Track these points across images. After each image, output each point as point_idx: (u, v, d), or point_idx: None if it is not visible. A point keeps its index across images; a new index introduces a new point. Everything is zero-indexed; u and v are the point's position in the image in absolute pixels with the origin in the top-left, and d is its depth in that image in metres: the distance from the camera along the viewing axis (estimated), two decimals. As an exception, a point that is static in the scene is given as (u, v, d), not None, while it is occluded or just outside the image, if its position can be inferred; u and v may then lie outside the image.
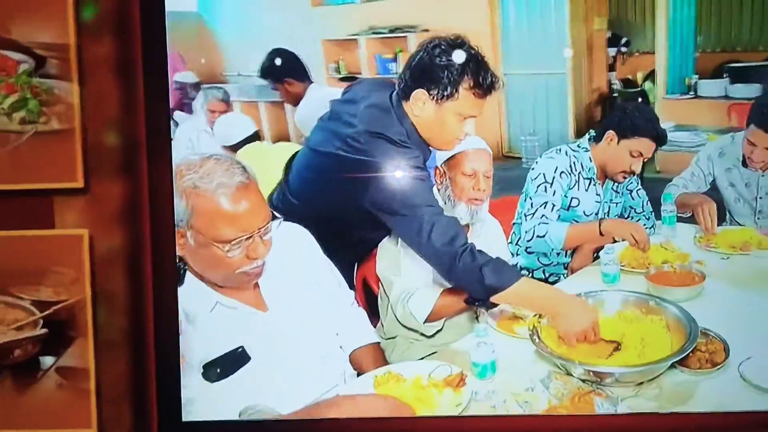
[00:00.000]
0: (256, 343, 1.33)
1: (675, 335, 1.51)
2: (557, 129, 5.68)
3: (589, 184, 2.28)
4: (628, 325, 1.59)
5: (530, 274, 2.27)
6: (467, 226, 1.90)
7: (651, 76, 7.36)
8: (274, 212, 1.33)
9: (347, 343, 1.61)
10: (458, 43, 1.65)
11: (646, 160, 2.19)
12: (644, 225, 2.34)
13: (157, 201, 1.22)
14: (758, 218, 2.37)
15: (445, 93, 1.64)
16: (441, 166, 1.91)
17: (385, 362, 1.63)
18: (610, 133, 2.19)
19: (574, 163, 2.27)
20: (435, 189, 1.90)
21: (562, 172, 2.25)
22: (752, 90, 4.97)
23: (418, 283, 1.79)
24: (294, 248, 1.48)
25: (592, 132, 2.38)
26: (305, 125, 3.17)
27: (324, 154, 1.78)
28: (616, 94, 6.85)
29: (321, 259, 1.58)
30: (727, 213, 2.42)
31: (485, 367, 1.43)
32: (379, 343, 1.69)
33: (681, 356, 1.39)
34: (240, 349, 1.30)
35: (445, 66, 1.62)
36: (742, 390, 1.37)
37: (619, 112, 2.23)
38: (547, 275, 2.29)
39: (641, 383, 1.40)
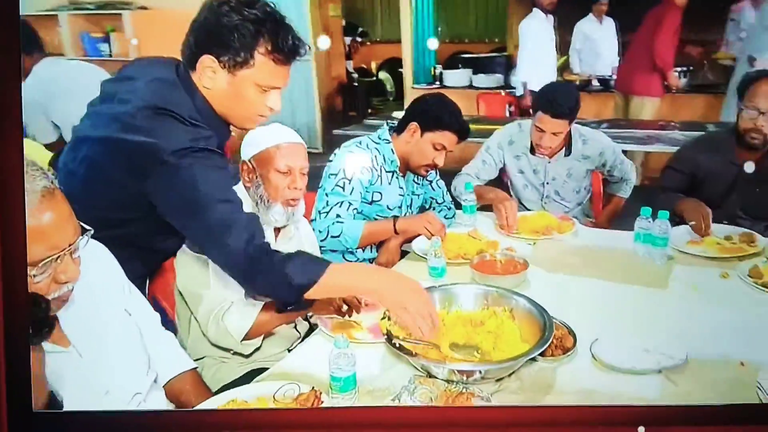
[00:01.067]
0: (61, 387, 1.10)
1: (522, 325, 1.44)
2: (304, 117, 5.62)
3: (392, 177, 2.16)
4: (479, 318, 1.47)
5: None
6: (278, 229, 1.65)
7: (385, 65, 7.77)
8: (83, 224, 1.07)
9: (162, 374, 1.35)
10: None
11: (449, 152, 2.13)
12: (445, 215, 2.33)
13: (7, 210, 1.08)
14: (545, 202, 2.49)
15: (238, 59, 1.35)
16: (249, 161, 1.59)
17: (208, 389, 1.43)
18: (413, 126, 2.08)
19: (376, 156, 2.13)
20: (242, 187, 1.59)
21: (363, 167, 2.10)
22: (494, 80, 5.59)
23: (232, 296, 1.50)
24: (93, 269, 1.18)
25: (390, 122, 2.27)
26: (33, 110, 2.57)
27: (97, 140, 1.36)
28: (356, 84, 7.05)
29: (124, 280, 1.30)
30: (516, 198, 2.50)
31: (348, 381, 1.24)
32: (196, 368, 1.45)
33: (544, 346, 1.31)
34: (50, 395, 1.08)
35: (234, 27, 1.33)
36: (598, 371, 1.35)
37: (422, 104, 2.11)
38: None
39: (501, 378, 1.32)
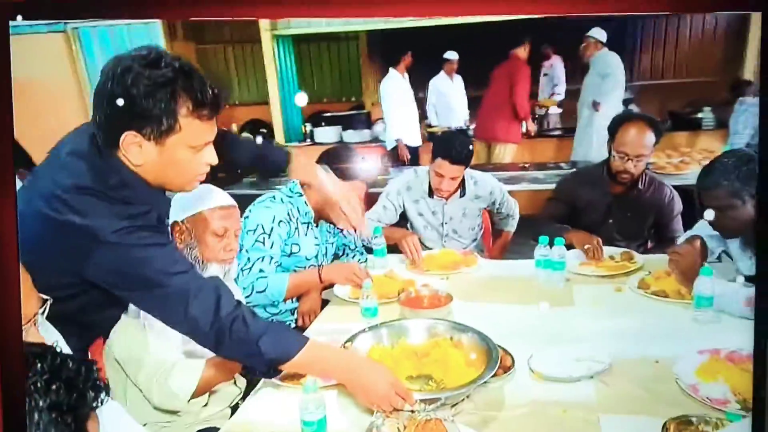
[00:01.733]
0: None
1: (466, 351, 1.54)
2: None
3: (307, 228, 2.20)
4: (424, 350, 1.55)
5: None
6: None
7: (247, 126, 7.81)
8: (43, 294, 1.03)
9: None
10: (153, 58, 1.21)
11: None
12: (358, 259, 2.41)
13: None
14: (444, 241, 2.66)
15: (163, 129, 1.22)
16: (182, 223, 1.55)
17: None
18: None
19: (291, 209, 2.17)
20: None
21: (281, 221, 2.13)
22: (363, 135, 5.85)
23: (173, 356, 1.44)
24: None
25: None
26: None
27: (31, 217, 1.23)
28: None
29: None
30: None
31: (320, 423, 1.25)
32: None
33: (496, 367, 1.41)
34: None
35: (148, 94, 1.19)
36: (539, 383, 1.47)
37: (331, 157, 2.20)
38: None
39: (456, 403, 1.39)
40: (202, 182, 1.37)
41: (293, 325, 2.15)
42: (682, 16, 5.92)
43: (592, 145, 4.32)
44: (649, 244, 2.51)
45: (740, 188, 1.68)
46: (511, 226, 2.81)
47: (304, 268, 2.18)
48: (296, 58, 6.55)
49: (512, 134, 4.74)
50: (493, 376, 1.44)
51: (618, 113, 2.49)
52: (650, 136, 2.27)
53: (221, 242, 1.56)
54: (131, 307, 1.42)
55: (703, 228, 1.92)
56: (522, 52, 4.56)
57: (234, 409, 1.56)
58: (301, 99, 6.35)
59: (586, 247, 2.20)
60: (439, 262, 2.37)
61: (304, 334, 1.48)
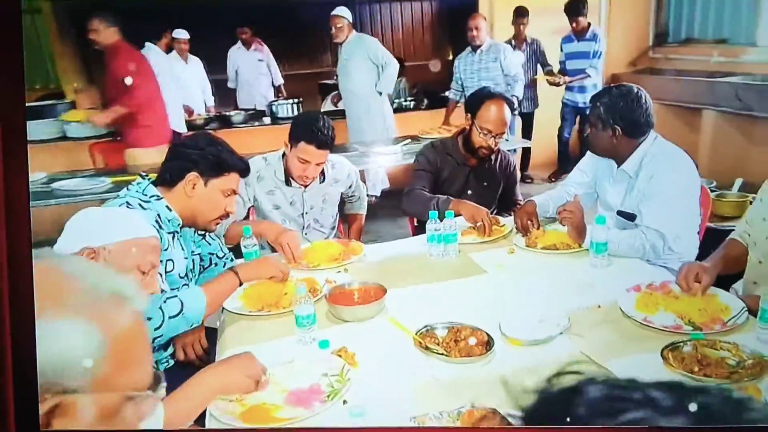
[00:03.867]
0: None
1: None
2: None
3: (173, 238, 1.84)
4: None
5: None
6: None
7: None
8: None
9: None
10: None
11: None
12: (230, 267, 2.08)
13: (13, 215, 1.13)
14: (306, 233, 2.50)
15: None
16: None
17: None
18: (192, 176, 1.81)
19: (156, 217, 1.78)
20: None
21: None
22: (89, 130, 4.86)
23: None
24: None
25: (146, 174, 1.89)
26: None
27: None
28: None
29: None
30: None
31: None
32: None
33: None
34: None
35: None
36: (521, 350, 1.52)
37: (194, 151, 1.83)
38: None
39: None
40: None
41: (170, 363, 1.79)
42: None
43: (378, 128, 4.53)
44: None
45: (603, 113, 2.03)
46: (364, 208, 2.79)
47: (178, 289, 1.81)
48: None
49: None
50: (480, 355, 1.48)
51: (475, 91, 2.62)
52: (508, 113, 2.46)
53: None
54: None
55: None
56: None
57: None
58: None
59: (478, 224, 2.30)
60: (324, 254, 2.21)
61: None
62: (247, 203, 2.40)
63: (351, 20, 4.44)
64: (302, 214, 2.48)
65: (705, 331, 1.48)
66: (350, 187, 2.62)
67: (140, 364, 0.75)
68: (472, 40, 4.46)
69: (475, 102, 2.48)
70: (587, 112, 2.29)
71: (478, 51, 4.48)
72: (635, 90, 2.02)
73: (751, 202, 2.70)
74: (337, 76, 4.78)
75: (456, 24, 5.42)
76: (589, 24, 4.72)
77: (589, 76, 4.74)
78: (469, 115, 2.50)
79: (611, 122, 2.02)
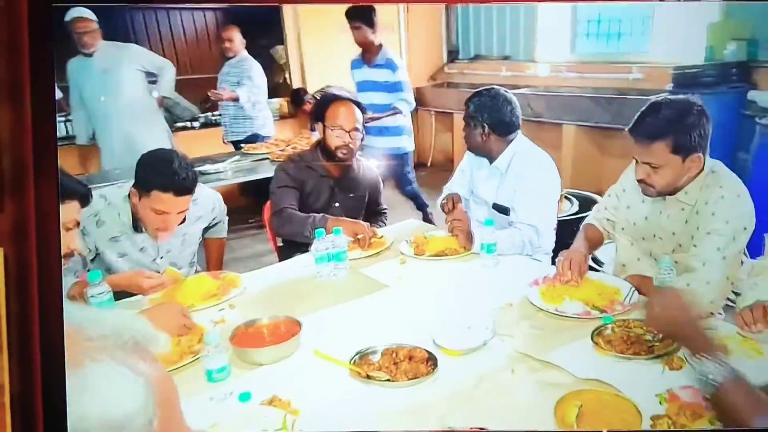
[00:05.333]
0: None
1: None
2: None
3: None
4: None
5: None
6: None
7: None
8: None
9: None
10: None
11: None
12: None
13: (43, 219, 1.26)
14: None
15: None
16: None
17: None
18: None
19: None
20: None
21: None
22: None
23: None
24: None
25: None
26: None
27: None
28: None
29: None
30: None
31: None
32: None
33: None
34: None
35: None
36: (459, 361, 1.51)
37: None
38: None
39: None
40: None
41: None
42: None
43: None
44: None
45: (473, 112, 2.21)
46: (225, 231, 2.54)
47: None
48: None
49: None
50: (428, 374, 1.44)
51: (321, 97, 2.56)
52: (358, 112, 2.40)
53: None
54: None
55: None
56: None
57: None
58: None
59: (359, 237, 2.24)
60: (198, 293, 1.95)
61: None
62: (89, 254, 2.00)
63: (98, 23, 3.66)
64: (154, 259, 2.14)
65: (610, 314, 1.64)
66: (214, 218, 2.37)
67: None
68: (225, 51, 4.34)
69: (322, 107, 2.42)
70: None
71: (227, 64, 4.37)
72: (502, 92, 2.20)
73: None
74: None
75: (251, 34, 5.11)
76: (380, 46, 3.75)
77: (399, 112, 3.80)
78: (319, 123, 2.42)
79: (480, 120, 2.18)
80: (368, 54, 3.80)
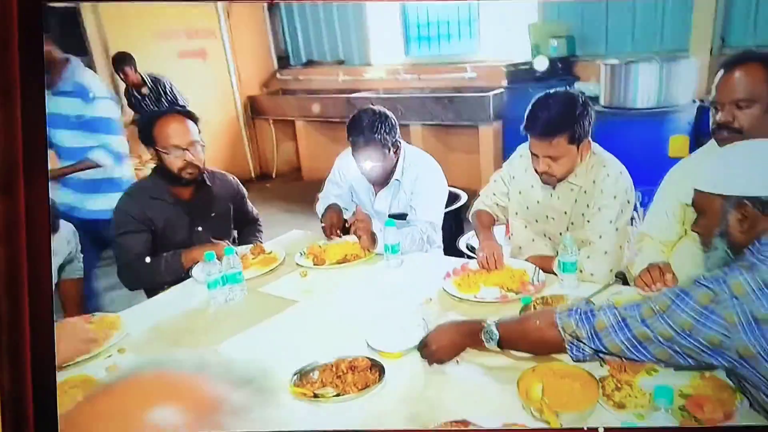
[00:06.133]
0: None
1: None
2: None
3: None
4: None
5: None
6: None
7: None
8: None
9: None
10: None
11: None
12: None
13: (34, 221, 1.25)
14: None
15: None
16: None
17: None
18: None
19: None
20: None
21: None
22: None
23: None
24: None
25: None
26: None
27: None
28: None
29: None
30: None
31: None
32: None
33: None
34: None
35: None
36: (403, 363, 1.47)
37: None
38: None
39: None
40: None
41: None
42: None
43: None
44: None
45: (380, 138, 2.15)
46: (81, 270, 2.20)
47: None
48: None
49: None
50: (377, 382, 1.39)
51: (141, 118, 2.25)
52: (191, 124, 2.15)
53: None
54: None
55: None
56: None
57: None
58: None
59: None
60: (71, 342, 1.65)
61: None
62: None
63: None
64: None
65: (525, 294, 1.72)
66: (69, 253, 2.04)
67: None
68: None
69: (146, 129, 2.12)
70: None
71: None
72: (378, 110, 2.17)
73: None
74: None
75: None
76: (67, 61, 2.54)
77: (94, 165, 2.62)
78: (150, 147, 2.14)
79: (388, 142, 2.17)
80: (52, 73, 2.51)
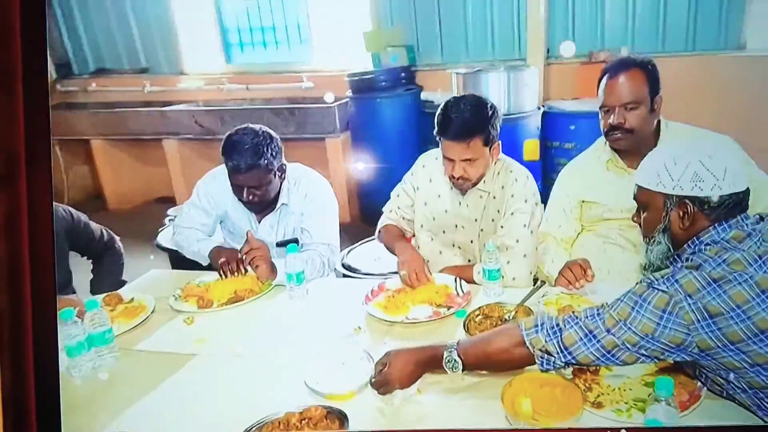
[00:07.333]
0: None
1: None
2: None
3: None
4: None
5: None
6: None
7: None
8: None
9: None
10: None
11: None
12: None
13: (36, 213, 1.21)
14: None
15: None
16: None
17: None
18: None
19: None
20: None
21: None
22: None
23: None
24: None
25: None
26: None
27: None
28: None
29: None
30: None
31: None
32: None
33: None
34: None
35: None
36: (357, 402, 1.31)
37: None
38: None
39: None
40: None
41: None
42: None
43: None
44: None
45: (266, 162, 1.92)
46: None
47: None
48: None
49: None
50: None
51: None
52: None
53: None
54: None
55: None
56: None
57: None
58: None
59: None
60: None
61: None
62: None
63: None
64: None
65: (456, 308, 1.65)
66: None
67: None
68: None
69: None
70: None
71: None
72: (259, 129, 1.94)
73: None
74: None
75: None
76: None
77: None
78: None
79: (274, 167, 1.97)
80: None
